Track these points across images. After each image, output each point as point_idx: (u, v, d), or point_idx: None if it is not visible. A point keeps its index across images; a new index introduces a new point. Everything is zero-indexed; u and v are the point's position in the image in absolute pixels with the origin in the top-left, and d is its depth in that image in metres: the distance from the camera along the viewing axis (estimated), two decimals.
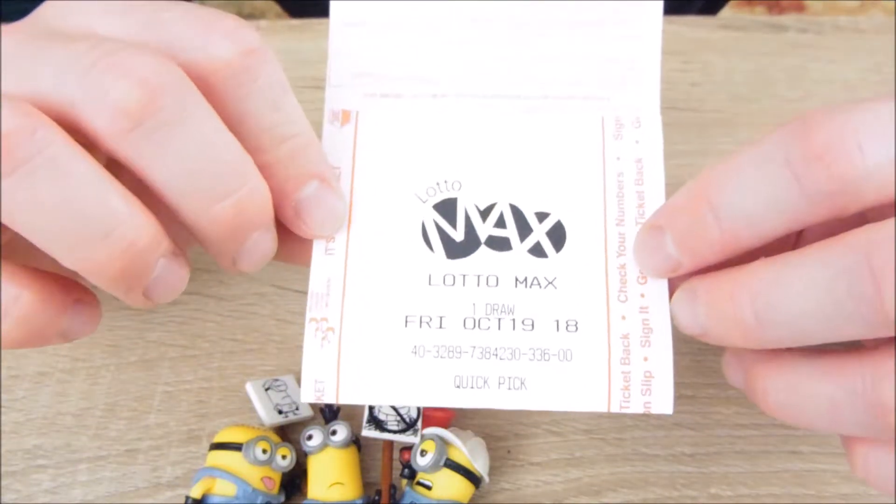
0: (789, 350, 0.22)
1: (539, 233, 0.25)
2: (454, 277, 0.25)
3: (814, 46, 0.45)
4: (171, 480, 0.33)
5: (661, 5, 0.26)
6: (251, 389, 0.33)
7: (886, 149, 0.19)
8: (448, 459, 0.30)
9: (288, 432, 0.33)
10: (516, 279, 0.25)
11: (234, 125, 0.22)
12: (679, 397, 0.35)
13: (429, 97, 0.27)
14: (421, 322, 0.24)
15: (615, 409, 0.23)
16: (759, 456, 0.33)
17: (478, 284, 0.25)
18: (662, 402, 0.23)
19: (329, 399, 0.24)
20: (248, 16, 1.23)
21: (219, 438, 0.31)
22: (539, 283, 0.25)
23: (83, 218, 0.20)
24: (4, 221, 0.20)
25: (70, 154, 0.20)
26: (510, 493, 0.33)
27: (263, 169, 0.23)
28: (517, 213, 0.25)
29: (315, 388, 0.24)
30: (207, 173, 0.21)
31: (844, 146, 0.19)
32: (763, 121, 0.42)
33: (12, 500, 0.32)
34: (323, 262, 0.25)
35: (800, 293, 0.19)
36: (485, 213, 0.25)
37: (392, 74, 0.26)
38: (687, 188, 0.22)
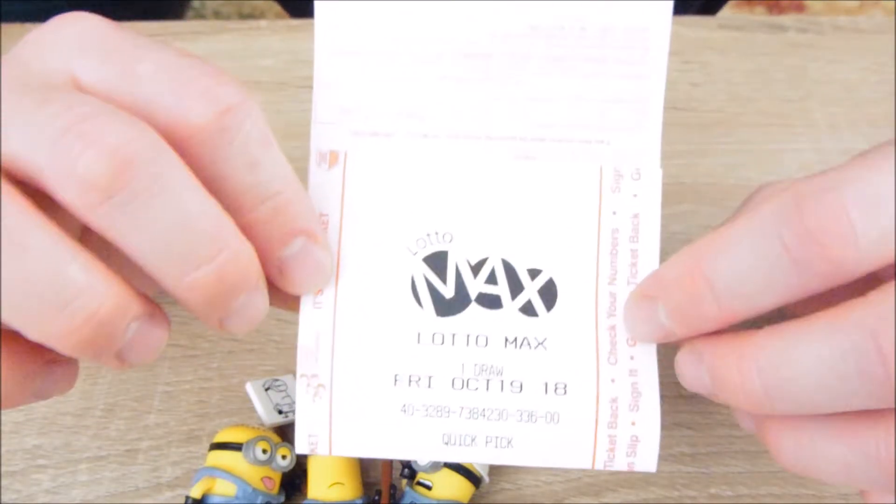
0: None
1: (531, 290, 0.25)
2: (443, 336, 0.24)
3: (814, 46, 0.45)
4: (171, 480, 0.33)
5: (667, 43, 0.25)
6: (251, 389, 0.33)
7: (881, 223, 0.19)
8: None
9: (288, 432, 0.33)
10: (506, 339, 0.25)
11: (212, 187, 0.21)
12: (679, 397, 0.35)
13: (420, 137, 0.25)
14: (410, 381, 0.24)
15: (599, 466, 0.24)
16: (759, 456, 0.33)
17: (467, 344, 0.24)
18: (646, 461, 0.24)
19: (322, 452, 0.24)
20: (248, 16, 1.23)
21: (219, 438, 0.31)
22: (529, 344, 0.24)
23: (38, 291, 0.19)
24: None
25: (25, 224, 0.19)
26: (510, 493, 0.33)
27: (245, 229, 0.22)
28: (509, 270, 0.25)
29: (309, 441, 0.24)
30: (183, 241, 0.20)
31: (838, 227, 0.19)
32: (763, 121, 0.42)
33: (12, 500, 0.32)
34: (311, 316, 0.25)
35: (807, 369, 0.20)
36: (476, 268, 0.25)
37: (382, 110, 0.25)
38: (680, 260, 0.22)
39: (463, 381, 0.24)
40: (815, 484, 0.33)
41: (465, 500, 0.31)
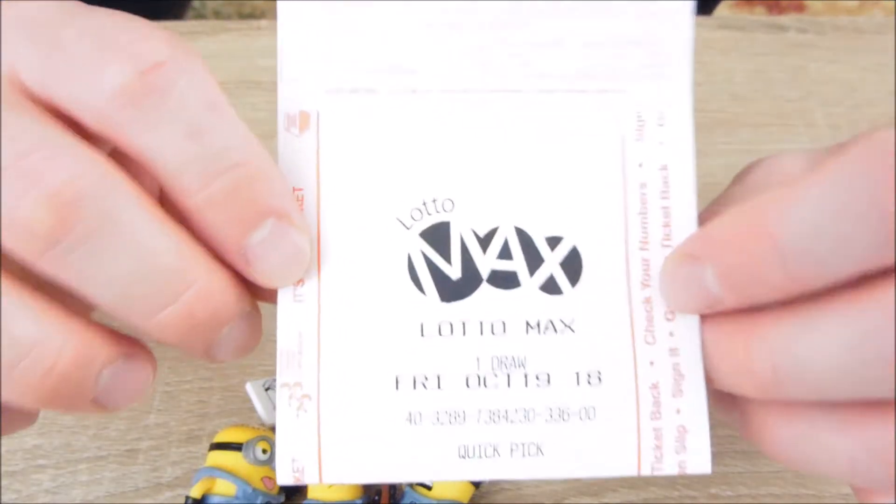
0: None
1: (552, 263, 0.21)
2: (451, 326, 0.21)
3: (814, 46, 0.45)
4: (171, 480, 0.33)
5: None
6: (251, 389, 0.33)
7: None
8: None
9: None
10: (527, 324, 0.21)
11: (150, 165, 0.18)
12: None
13: (408, 93, 0.21)
14: (415, 383, 0.21)
15: (646, 472, 0.20)
16: (759, 456, 0.33)
17: (481, 333, 0.21)
18: (699, 459, 0.21)
19: (311, 481, 0.20)
20: (248, 16, 1.23)
21: (219, 438, 0.31)
22: (554, 328, 0.21)
23: None
24: None
25: None
26: (510, 493, 0.33)
27: (197, 213, 0.19)
28: (524, 239, 0.21)
29: (293, 467, 0.20)
30: (142, 283, 0.18)
31: None
32: (763, 121, 0.42)
33: (12, 500, 0.32)
34: (291, 313, 0.21)
35: (824, 352, 0.18)
36: (485, 241, 0.21)
37: (363, 64, 0.21)
38: (737, 216, 0.19)
39: (479, 379, 0.21)
40: (816, 484, 0.33)
41: (465, 501, 0.31)
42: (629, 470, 0.20)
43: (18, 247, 0.18)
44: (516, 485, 0.33)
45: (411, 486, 0.31)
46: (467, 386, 0.21)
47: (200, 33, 0.46)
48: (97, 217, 0.17)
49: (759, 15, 1.30)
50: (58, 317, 0.18)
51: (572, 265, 0.21)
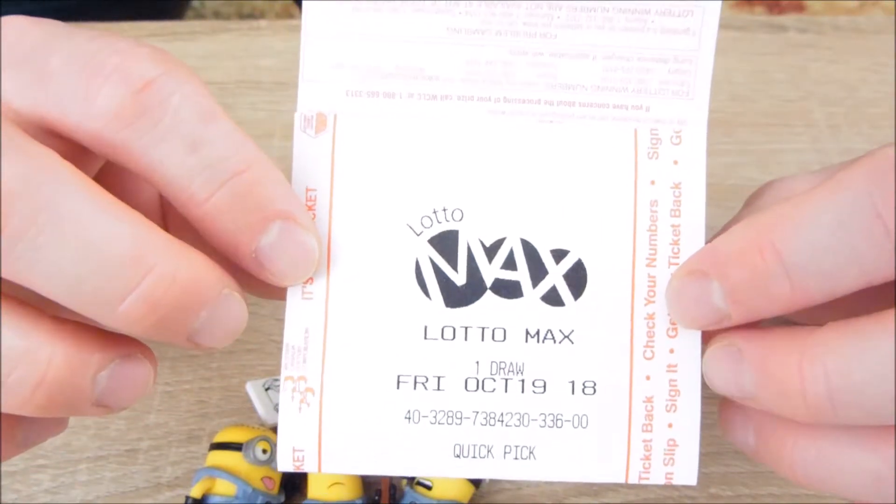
0: None
1: (555, 275, 0.22)
2: (454, 330, 0.21)
3: (814, 46, 0.45)
4: (171, 480, 0.33)
5: None
6: (251, 389, 0.33)
7: None
8: None
9: None
10: (527, 332, 0.21)
11: (154, 180, 0.19)
12: None
13: (426, 98, 0.21)
14: (415, 383, 0.21)
15: (633, 480, 0.21)
16: None
17: (482, 339, 0.21)
18: (686, 472, 0.21)
19: (310, 470, 0.21)
20: (248, 16, 1.23)
21: (219, 438, 0.31)
22: (553, 338, 0.21)
23: None
24: None
25: None
26: (510, 493, 0.33)
27: (205, 222, 0.19)
28: (530, 252, 0.22)
29: (293, 456, 0.21)
30: (95, 274, 0.17)
31: None
32: (763, 121, 0.42)
33: (12, 500, 0.32)
34: (299, 309, 0.21)
35: (883, 373, 0.17)
36: (491, 251, 0.22)
37: (382, 67, 0.21)
38: (743, 231, 0.19)
39: (477, 382, 0.21)
40: None
41: (465, 501, 0.31)
42: (617, 477, 0.21)
43: None
44: (516, 485, 0.33)
45: (411, 486, 0.31)
46: (466, 389, 0.21)
47: (200, 33, 0.46)
48: (35, 208, 0.17)
49: (759, 15, 1.30)
50: (45, 326, 0.18)
51: (576, 278, 0.22)
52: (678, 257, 0.21)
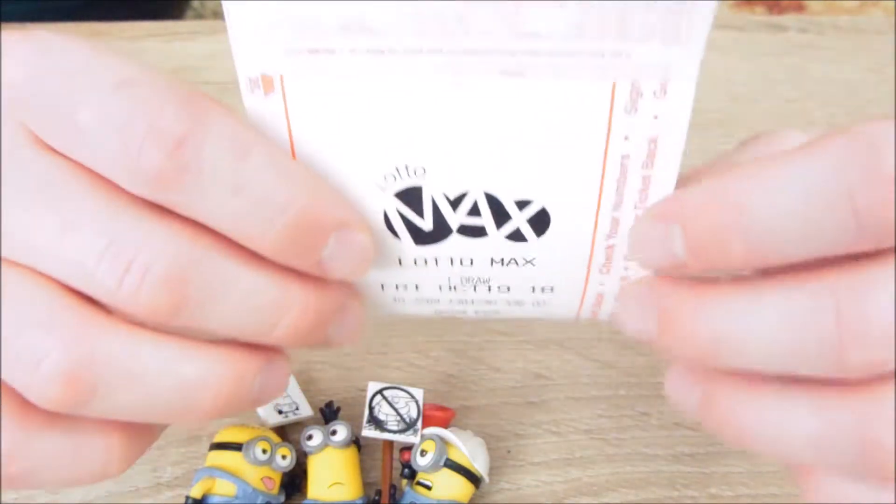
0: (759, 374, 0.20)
1: (519, 220, 0.22)
2: (426, 260, 0.23)
3: (814, 46, 0.45)
4: (171, 480, 0.33)
5: None
6: None
7: None
8: (448, 459, 0.30)
9: (288, 432, 0.33)
10: (492, 260, 0.23)
11: (210, 225, 0.20)
12: None
13: (369, 53, 0.19)
14: (397, 287, 0.24)
15: (585, 316, 0.24)
16: (759, 456, 0.33)
17: (451, 265, 0.23)
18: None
19: None
20: None
21: (219, 438, 0.31)
22: (516, 262, 0.23)
23: (159, 397, 0.20)
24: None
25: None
26: (510, 493, 0.33)
27: (266, 254, 0.20)
28: (494, 203, 0.21)
29: None
30: (251, 316, 0.21)
31: None
32: (763, 121, 0.42)
33: (12, 500, 0.32)
34: None
35: (765, 329, 0.19)
36: (455, 203, 0.21)
37: (320, 23, 0.19)
38: (712, 185, 0.19)
39: (451, 287, 0.24)
40: None
41: (465, 501, 0.31)
42: (569, 315, 0.25)
43: (150, 320, 0.20)
44: (516, 485, 0.33)
45: (411, 486, 0.31)
46: (440, 290, 0.24)
47: (200, 33, 0.46)
48: (203, 285, 0.19)
49: (760, 15, 1.30)
50: (208, 348, 0.21)
51: (539, 222, 0.22)
52: (645, 202, 0.21)
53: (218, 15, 1.24)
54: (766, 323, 0.18)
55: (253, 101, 0.20)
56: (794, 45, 0.45)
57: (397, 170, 0.21)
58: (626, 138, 0.20)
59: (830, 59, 0.45)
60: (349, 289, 0.22)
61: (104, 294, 0.19)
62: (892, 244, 0.17)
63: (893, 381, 0.18)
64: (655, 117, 0.19)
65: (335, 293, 0.22)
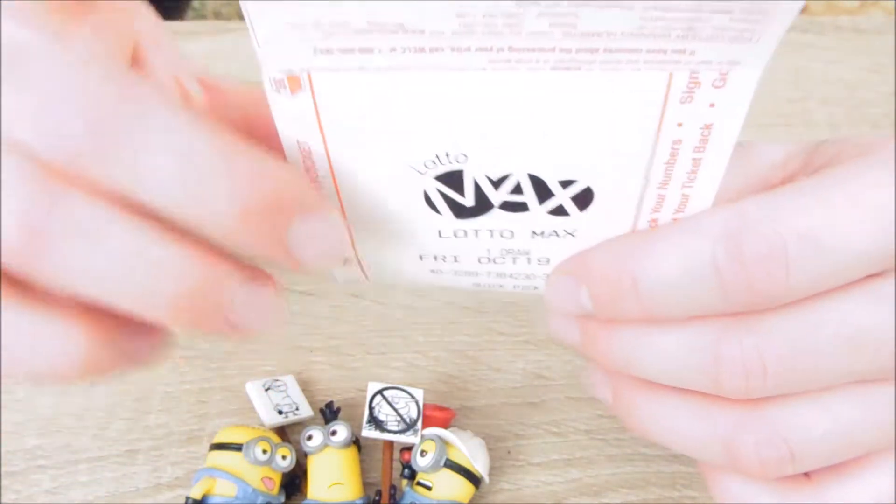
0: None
1: (562, 197, 0.21)
2: (466, 231, 0.23)
3: (814, 46, 0.45)
4: (171, 481, 0.33)
5: None
6: (251, 389, 0.33)
7: (816, 266, 0.20)
8: (448, 460, 0.30)
9: (288, 432, 0.33)
10: (533, 232, 0.23)
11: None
12: None
13: (412, 52, 0.18)
14: (435, 258, 0.24)
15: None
16: None
17: (491, 237, 0.23)
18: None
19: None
20: None
21: (219, 439, 0.31)
22: (557, 234, 0.23)
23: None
24: None
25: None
26: (510, 494, 0.33)
27: (223, 240, 0.19)
28: (537, 182, 0.21)
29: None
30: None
31: (774, 266, 0.20)
32: (763, 121, 0.42)
33: (12, 501, 0.32)
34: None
35: (662, 358, 0.22)
36: (497, 183, 0.21)
37: (351, 23, 0.17)
38: (611, 250, 0.22)
39: (490, 259, 0.24)
40: None
41: (465, 501, 0.31)
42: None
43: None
44: (516, 485, 0.33)
45: (411, 486, 0.31)
46: (479, 262, 0.24)
47: (200, 33, 0.46)
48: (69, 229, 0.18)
49: None
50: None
51: (583, 199, 0.22)
52: (692, 183, 0.21)
53: (219, 15, 1.24)
54: (664, 353, 0.22)
55: (279, 101, 0.20)
56: (794, 45, 0.45)
57: (437, 157, 0.21)
58: (679, 125, 0.19)
59: (830, 59, 0.45)
60: (261, 273, 0.20)
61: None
62: (762, 307, 0.21)
63: (765, 400, 0.22)
64: (712, 105, 0.19)
65: (238, 273, 0.20)
